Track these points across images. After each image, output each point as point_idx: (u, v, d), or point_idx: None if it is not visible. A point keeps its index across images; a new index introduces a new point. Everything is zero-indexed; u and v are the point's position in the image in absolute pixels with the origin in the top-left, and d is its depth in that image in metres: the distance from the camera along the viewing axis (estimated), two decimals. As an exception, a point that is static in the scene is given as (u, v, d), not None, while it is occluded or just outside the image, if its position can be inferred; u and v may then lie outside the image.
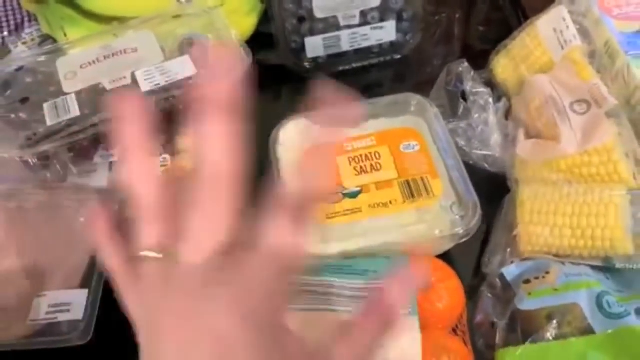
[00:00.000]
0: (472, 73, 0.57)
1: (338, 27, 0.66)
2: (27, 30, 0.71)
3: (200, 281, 0.24)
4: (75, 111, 0.50)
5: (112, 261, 0.27)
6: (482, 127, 0.54)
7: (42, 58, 0.56)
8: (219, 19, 0.60)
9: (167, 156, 0.54)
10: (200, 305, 0.24)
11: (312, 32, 0.66)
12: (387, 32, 0.67)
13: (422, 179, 0.49)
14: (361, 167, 0.51)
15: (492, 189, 0.54)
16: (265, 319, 0.25)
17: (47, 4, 0.62)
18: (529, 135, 0.54)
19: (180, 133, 0.55)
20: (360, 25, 0.66)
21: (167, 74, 0.52)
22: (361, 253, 0.46)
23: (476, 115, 0.55)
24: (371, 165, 0.51)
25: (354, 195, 0.49)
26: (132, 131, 0.26)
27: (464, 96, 0.57)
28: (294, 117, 0.55)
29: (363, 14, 0.65)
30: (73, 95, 0.51)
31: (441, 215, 0.48)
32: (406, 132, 0.53)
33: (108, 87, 0.52)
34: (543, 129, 0.52)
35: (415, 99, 0.55)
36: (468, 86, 0.56)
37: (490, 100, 0.55)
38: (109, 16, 0.64)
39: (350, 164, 0.51)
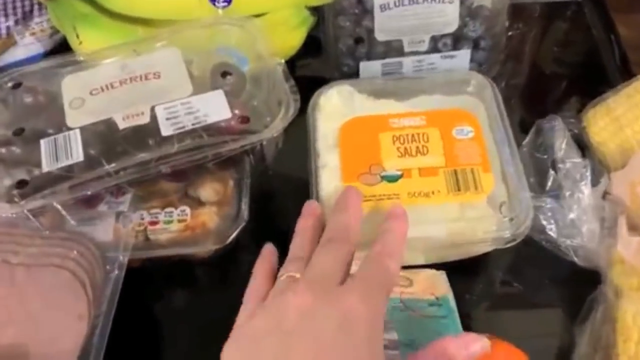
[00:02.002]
0: (567, 135, 0.47)
1: (401, 53, 0.55)
2: (36, 20, 0.61)
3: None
4: (78, 155, 0.40)
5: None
6: (575, 212, 0.44)
7: (45, 73, 0.46)
8: (258, 35, 0.49)
9: (187, 208, 0.45)
10: None
11: (370, 57, 0.55)
12: (459, 61, 0.56)
13: (472, 170, 0.44)
14: (405, 149, 0.45)
15: (579, 282, 0.44)
16: None
17: (58, -3, 0.52)
18: (632, 226, 0.44)
19: (203, 184, 0.45)
20: (428, 52, 0.55)
21: (195, 115, 0.41)
22: None
23: (568, 193, 0.44)
24: (417, 148, 0.45)
25: (393, 179, 0.44)
26: None
27: (553, 165, 0.46)
28: (337, 84, 0.50)
29: (434, 39, 0.54)
30: (77, 132, 0.41)
31: (487, 215, 0.42)
32: (461, 115, 0.47)
33: (121, 124, 0.42)
34: (654, 224, 0.42)
35: (475, 77, 0.50)
36: (560, 153, 0.46)
37: (588, 174, 0.45)
38: (130, 16, 0.54)
39: (394, 143, 0.46)
